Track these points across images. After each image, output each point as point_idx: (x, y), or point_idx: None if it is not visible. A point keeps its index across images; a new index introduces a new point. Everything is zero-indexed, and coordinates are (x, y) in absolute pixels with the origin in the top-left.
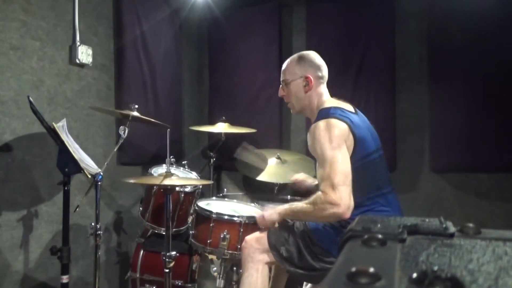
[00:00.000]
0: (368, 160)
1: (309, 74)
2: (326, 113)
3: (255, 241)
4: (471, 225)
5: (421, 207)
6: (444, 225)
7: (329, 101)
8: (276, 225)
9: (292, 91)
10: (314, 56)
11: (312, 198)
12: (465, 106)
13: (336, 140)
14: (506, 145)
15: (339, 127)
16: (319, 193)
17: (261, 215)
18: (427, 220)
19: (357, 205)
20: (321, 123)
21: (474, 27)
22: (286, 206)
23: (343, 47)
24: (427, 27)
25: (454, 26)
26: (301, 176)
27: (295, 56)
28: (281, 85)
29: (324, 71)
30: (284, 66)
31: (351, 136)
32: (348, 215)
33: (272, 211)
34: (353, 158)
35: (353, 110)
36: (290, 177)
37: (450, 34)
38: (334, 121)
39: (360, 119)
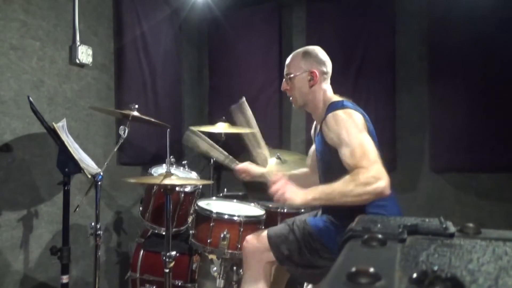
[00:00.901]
0: None
1: (314, 69)
2: (340, 105)
3: (256, 240)
4: (471, 225)
5: (421, 207)
6: (444, 225)
7: (336, 97)
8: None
9: (296, 85)
10: (319, 51)
11: (349, 176)
12: (465, 106)
13: (360, 125)
14: (506, 145)
15: (358, 116)
16: (357, 169)
17: (283, 193)
18: (427, 220)
19: None
20: (340, 112)
21: (474, 27)
22: (319, 189)
23: (343, 47)
24: (427, 27)
25: (454, 26)
26: (244, 165)
27: (300, 50)
28: (284, 79)
29: (329, 67)
30: (288, 60)
31: (366, 128)
32: (389, 191)
33: (302, 193)
34: None
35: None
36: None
37: (450, 34)
38: (351, 111)
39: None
